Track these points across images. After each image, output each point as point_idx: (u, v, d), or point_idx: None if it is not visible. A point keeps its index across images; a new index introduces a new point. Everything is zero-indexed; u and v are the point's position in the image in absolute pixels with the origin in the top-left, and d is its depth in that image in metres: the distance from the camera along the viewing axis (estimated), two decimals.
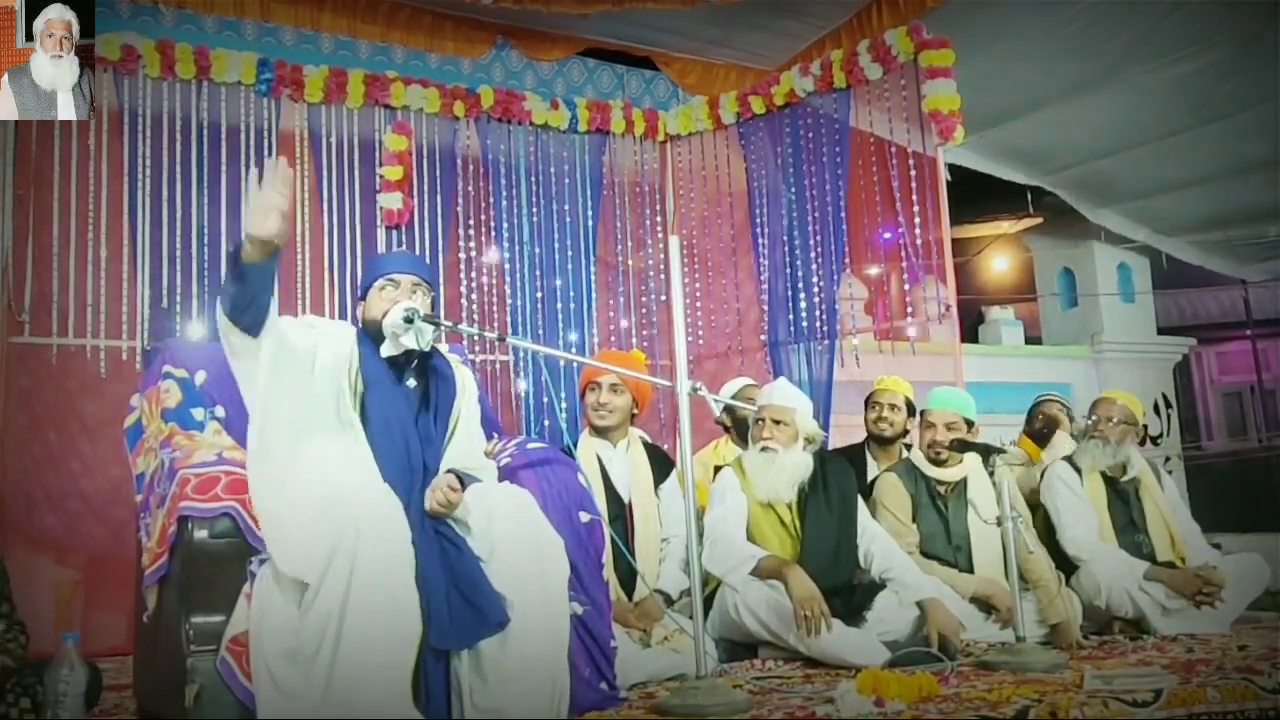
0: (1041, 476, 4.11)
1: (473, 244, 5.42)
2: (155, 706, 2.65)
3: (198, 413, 2.80)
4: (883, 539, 3.63)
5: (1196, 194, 7.35)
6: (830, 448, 4.67)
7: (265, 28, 5.13)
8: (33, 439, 4.49)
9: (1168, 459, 8.04)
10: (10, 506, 4.38)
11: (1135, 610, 3.74)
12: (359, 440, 2.52)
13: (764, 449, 3.59)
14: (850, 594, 3.45)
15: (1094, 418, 4.04)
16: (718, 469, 3.90)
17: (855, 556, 3.59)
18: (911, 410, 4.26)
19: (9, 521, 4.36)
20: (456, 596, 2.34)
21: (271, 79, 4.95)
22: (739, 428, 4.21)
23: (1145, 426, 4.26)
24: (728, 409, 4.31)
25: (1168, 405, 8.59)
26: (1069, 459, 4.06)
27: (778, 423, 3.61)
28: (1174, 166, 7.00)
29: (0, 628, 2.66)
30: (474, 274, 5.40)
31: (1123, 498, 3.99)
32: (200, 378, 2.87)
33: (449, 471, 2.54)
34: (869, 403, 4.38)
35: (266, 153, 4.95)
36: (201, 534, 2.40)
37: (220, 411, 2.80)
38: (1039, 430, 4.57)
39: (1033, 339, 8.76)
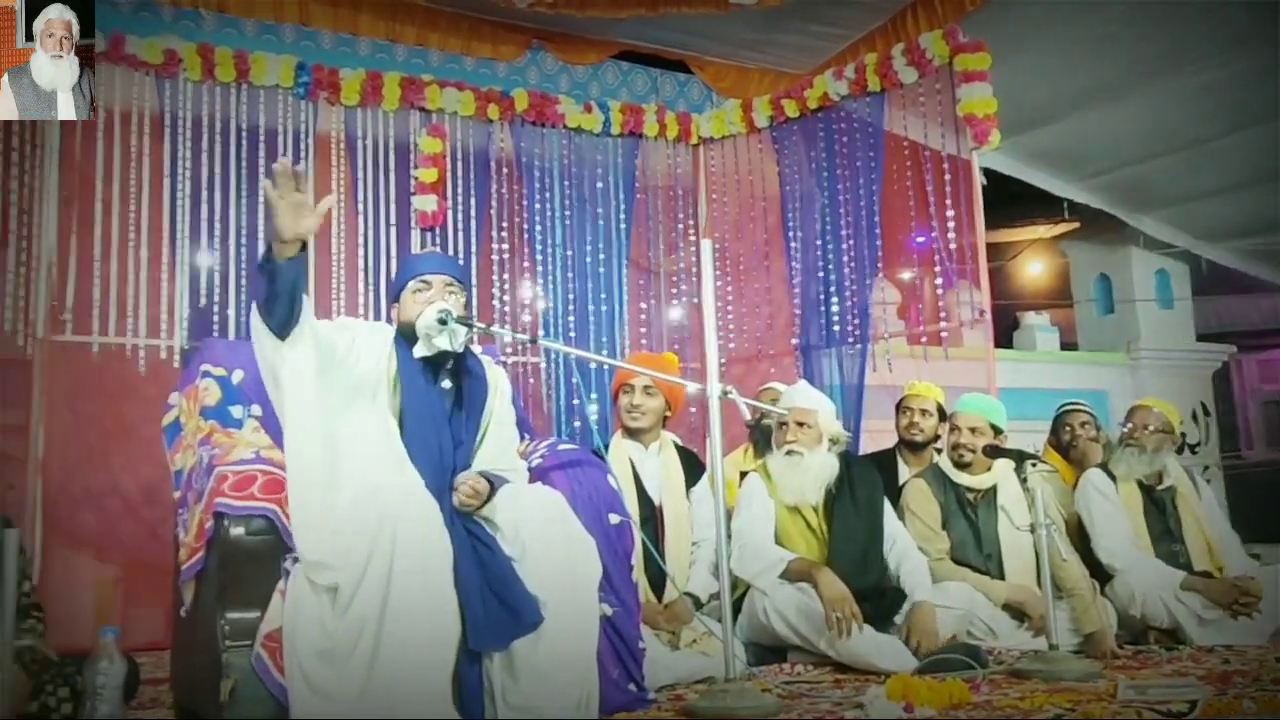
0: (1075, 487, 4.07)
1: (506, 246, 5.46)
2: (191, 700, 2.68)
3: (236, 410, 2.84)
4: (908, 550, 3.60)
5: (1235, 200, 7.23)
6: (861, 453, 4.65)
7: (304, 31, 5.20)
8: (75, 437, 4.57)
9: (1206, 468, 7.92)
10: (54, 504, 4.46)
11: (1171, 620, 3.70)
12: (396, 441, 2.54)
13: (789, 452, 3.57)
14: (879, 599, 3.43)
15: (1130, 425, 4.00)
16: (744, 474, 3.89)
17: (883, 560, 3.57)
18: (943, 415, 4.23)
19: (52, 519, 4.43)
20: (491, 597, 2.35)
21: (309, 82, 5.01)
22: (759, 439, 4.20)
23: (1184, 435, 4.20)
24: (755, 418, 4.28)
25: (1206, 413, 8.45)
26: (1104, 466, 4.02)
27: (801, 425, 3.60)
28: (1210, 172, 6.89)
29: (31, 623, 2.67)
30: (506, 276, 5.44)
31: (1159, 506, 3.95)
32: (238, 376, 2.91)
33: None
34: (900, 408, 4.36)
35: (303, 155, 5.01)
36: (238, 530, 2.42)
37: (257, 410, 2.83)
38: (1066, 442, 4.51)
39: (1068, 345, 8.65)
